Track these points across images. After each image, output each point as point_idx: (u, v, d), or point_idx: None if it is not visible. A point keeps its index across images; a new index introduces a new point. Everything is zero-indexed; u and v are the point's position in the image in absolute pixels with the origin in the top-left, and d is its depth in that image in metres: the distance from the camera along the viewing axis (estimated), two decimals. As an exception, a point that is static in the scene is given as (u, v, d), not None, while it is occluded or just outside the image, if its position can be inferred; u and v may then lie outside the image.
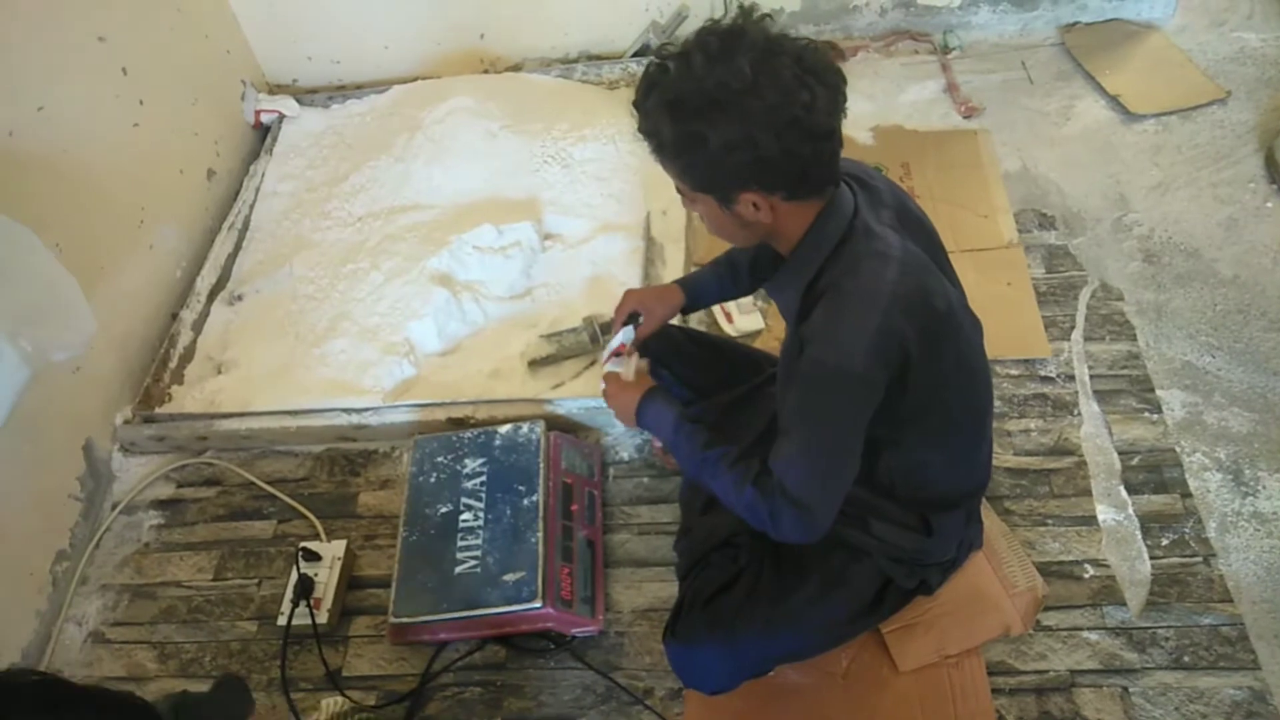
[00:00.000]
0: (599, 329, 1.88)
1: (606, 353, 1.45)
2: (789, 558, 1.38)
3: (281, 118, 2.69)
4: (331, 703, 1.52)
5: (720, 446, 1.23)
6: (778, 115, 1.03)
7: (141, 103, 2.20)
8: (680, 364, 1.62)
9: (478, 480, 1.72)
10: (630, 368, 1.40)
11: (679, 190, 1.17)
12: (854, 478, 1.17)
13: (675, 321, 1.89)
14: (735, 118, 1.03)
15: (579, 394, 1.91)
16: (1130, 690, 1.49)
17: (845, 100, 1.08)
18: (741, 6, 1.08)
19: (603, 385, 1.41)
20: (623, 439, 1.92)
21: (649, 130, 1.10)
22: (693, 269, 2.15)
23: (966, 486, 1.40)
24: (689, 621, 1.39)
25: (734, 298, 1.60)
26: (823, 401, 1.13)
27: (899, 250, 1.13)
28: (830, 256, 1.14)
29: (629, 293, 1.53)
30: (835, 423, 1.13)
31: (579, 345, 1.87)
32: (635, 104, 1.11)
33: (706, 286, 1.55)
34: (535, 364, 1.97)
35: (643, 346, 1.54)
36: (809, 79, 1.03)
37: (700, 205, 1.17)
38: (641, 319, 1.49)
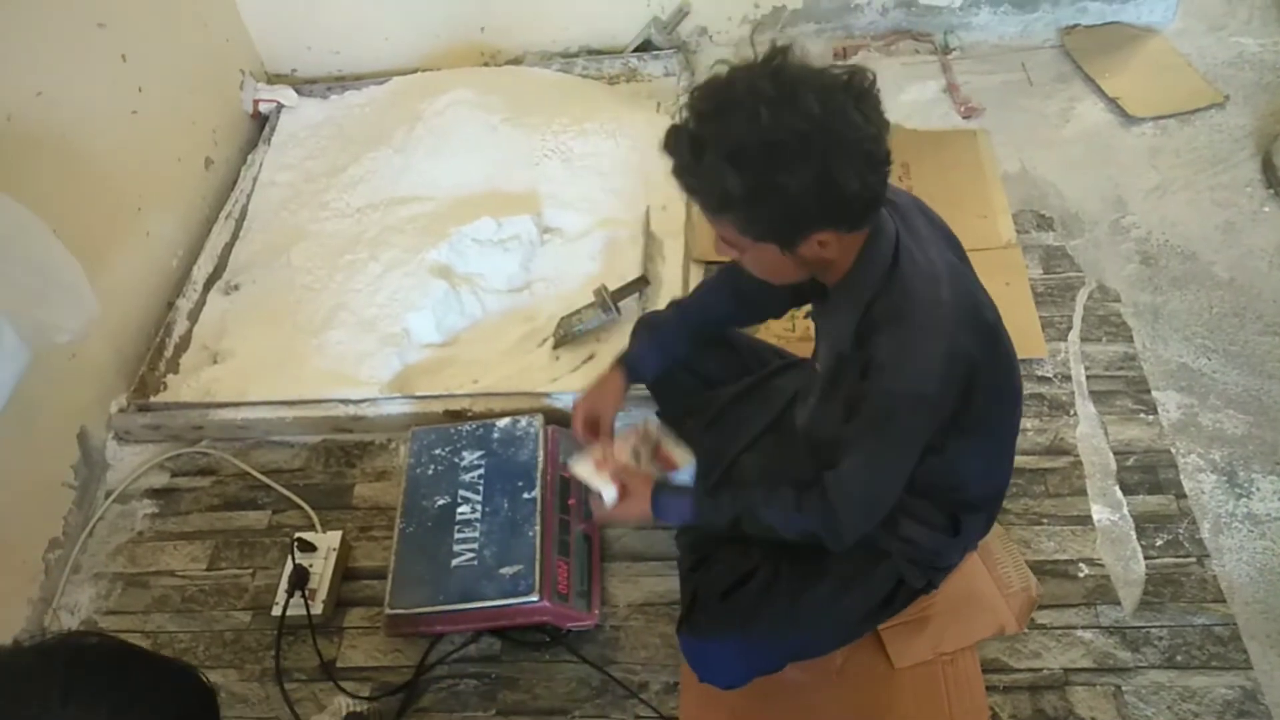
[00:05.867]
0: (609, 299, 1.97)
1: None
2: (805, 555, 1.36)
3: (280, 107, 2.68)
4: (344, 703, 1.54)
5: (744, 493, 1.28)
6: (854, 150, 1.01)
7: (140, 90, 2.19)
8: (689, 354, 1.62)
9: (475, 473, 1.71)
10: (606, 486, 1.34)
11: (726, 241, 1.12)
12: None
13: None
14: (814, 159, 0.99)
15: (578, 388, 1.90)
16: (1123, 689, 1.50)
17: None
18: (775, 44, 1.05)
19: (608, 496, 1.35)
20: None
21: (708, 189, 1.05)
22: (691, 264, 2.15)
23: (995, 488, 1.41)
24: (705, 615, 1.38)
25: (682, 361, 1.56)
26: (894, 425, 1.15)
27: (943, 267, 1.13)
28: (883, 280, 1.13)
29: (576, 404, 1.50)
30: (903, 443, 1.17)
31: (595, 318, 1.99)
32: (682, 168, 1.05)
33: (648, 358, 1.50)
34: (560, 344, 2.05)
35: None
36: (865, 107, 1.01)
37: (754, 252, 1.12)
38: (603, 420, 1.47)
